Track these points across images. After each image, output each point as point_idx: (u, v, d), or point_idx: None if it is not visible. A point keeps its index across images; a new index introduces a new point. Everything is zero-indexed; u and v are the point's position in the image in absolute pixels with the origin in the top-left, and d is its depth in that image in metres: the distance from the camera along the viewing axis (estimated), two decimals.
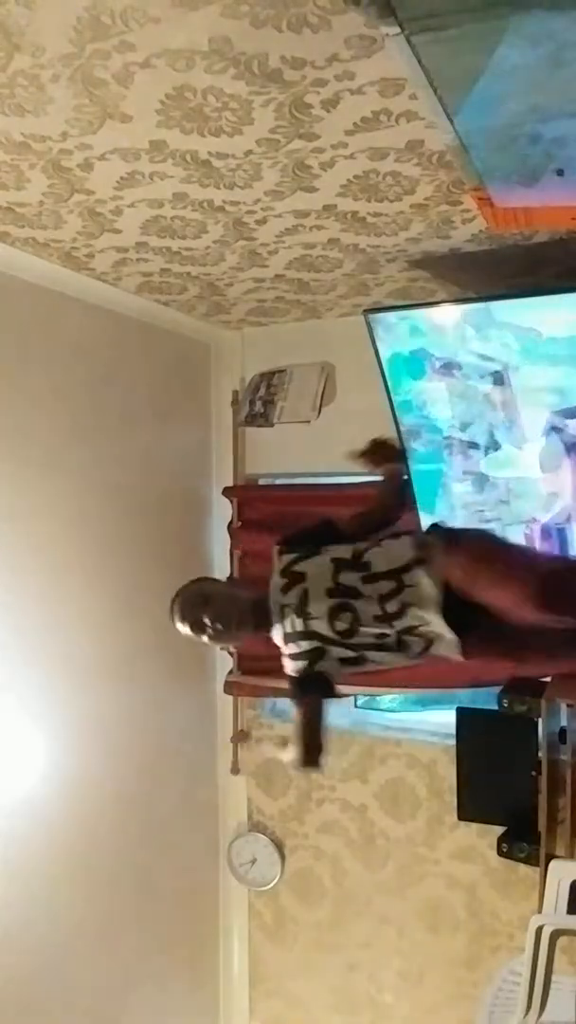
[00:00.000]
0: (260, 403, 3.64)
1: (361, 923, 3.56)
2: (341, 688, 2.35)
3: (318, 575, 2.21)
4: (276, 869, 3.71)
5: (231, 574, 3.68)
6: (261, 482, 3.79)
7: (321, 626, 2.19)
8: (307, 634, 2.22)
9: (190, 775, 3.64)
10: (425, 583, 2.13)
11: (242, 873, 3.76)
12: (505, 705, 2.87)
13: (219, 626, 2.29)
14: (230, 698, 3.76)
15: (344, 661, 2.24)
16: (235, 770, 3.78)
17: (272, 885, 3.73)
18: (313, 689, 2.29)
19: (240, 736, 3.79)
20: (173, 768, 3.51)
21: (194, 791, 3.66)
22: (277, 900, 3.75)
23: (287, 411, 3.57)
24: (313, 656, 2.24)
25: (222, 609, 2.30)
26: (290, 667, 2.30)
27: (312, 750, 2.24)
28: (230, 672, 3.69)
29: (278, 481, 3.79)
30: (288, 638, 2.26)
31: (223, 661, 3.72)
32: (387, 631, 2.15)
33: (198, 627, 2.29)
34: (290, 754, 2.27)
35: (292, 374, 3.61)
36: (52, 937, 2.87)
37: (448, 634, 2.13)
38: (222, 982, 3.80)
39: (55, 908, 2.88)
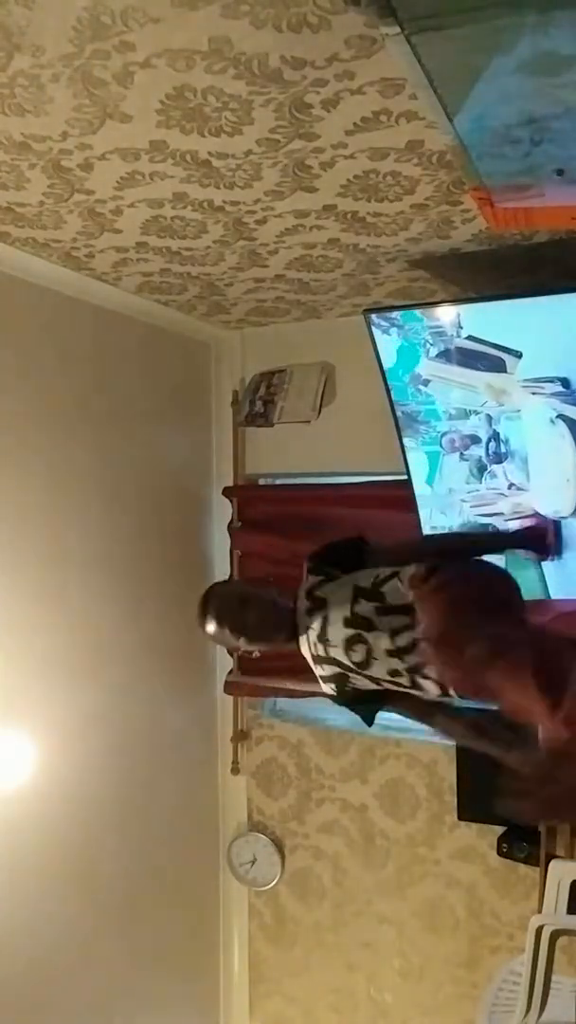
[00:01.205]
0: (260, 403, 3.64)
1: (361, 923, 3.56)
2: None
3: (338, 603, 2.13)
4: (276, 869, 3.72)
5: (231, 574, 3.68)
6: (261, 482, 3.79)
7: (339, 654, 2.13)
8: (329, 660, 2.16)
9: (190, 775, 3.64)
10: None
11: (242, 873, 3.76)
12: None
13: (258, 630, 2.22)
14: (230, 698, 3.76)
15: (369, 692, 2.16)
16: (235, 770, 3.78)
17: (272, 885, 3.73)
18: (358, 707, 2.23)
19: (240, 736, 3.79)
20: (173, 768, 3.51)
21: (194, 791, 3.66)
22: (277, 900, 3.75)
23: (287, 411, 3.57)
24: (339, 680, 2.18)
25: (263, 614, 2.23)
26: (323, 687, 2.25)
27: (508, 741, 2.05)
28: (230, 672, 3.69)
29: (278, 481, 3.79)
30: (315, 660, 2.21)
31: (223, 661, 3.72)
32: (399, 667, 2.05)
33: (236, 629, 2.22)
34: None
35: (292, 374, 3.61)
36: (52, 937, 2.87)
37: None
38: (222, 982, 3.80)
39: (55, 908, 2.88)
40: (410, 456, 2.94)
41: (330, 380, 3.55)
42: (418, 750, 3.43)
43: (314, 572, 2.25)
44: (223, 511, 3.74)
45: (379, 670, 2.08)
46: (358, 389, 3.36)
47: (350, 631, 2.09)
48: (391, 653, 2.05)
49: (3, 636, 2.69)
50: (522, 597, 2.15)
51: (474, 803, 3.12)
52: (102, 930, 3.09)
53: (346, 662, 2.12)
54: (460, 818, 3.21)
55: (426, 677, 2.04)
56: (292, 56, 1.62)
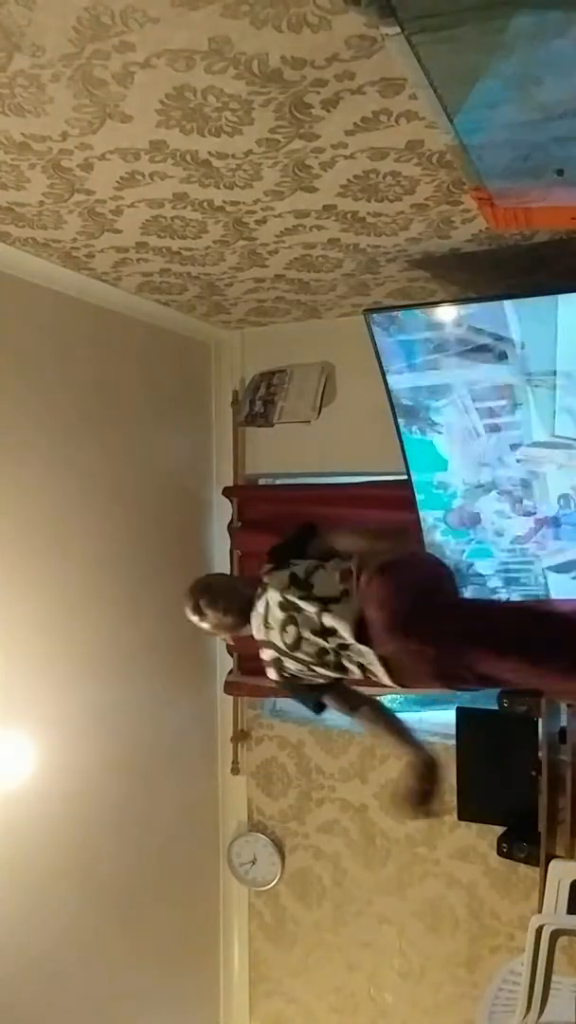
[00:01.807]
0: (260, 403, 3.64)
1: (361, 923, 3.56)
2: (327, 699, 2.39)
3: (276, 587, 2.30)
4: (276, 869, 3.72)
5: (230, 574, 3.68)
6: (261, 482, 3.79)
7: (275, 637, 2.29)
8: (269, 643, 2.33)
9: (190, 775, 3.64)
10: (344, 612, 2.15)
11: (242, 873, 3.76)
12: (505, 705, 2.88)
13: (225, 617, 2.42)
14: (230, 698, 3.76)
15: (299, 674, 2.32)
16: (235, 770, 3.78)
17: (272, 885, 3.73)
18: (300, 696, 2.41)
19: (240, 736, 3.79)
20: (173, 768, 3.51)
21: (194, 791, 3.67)
22: (277, 900, 3.75)
23: (287, 411, 3.57)
24: (277, 665, 2.35)
25: (227, 601, 2.42)
26: (268, 672, 2.41)
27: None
28: (230, 672, 3.69)
29: (278, 481, 3.79)
30: (260, 644, 2.38)
31: (223, 661, 3.72)
32: (326, 645, 2.19)
33: (196, 611, 2.43)
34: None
35: (292, 374, 3.62)
36: (51, 936, 2.87)
37: (370, 656, 2.14)
38: (222, 982, 3.80)
39: (54, 908, 2.88)
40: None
41: (330, 380, 3.55)
42: None
43: (270, 560, 2.41)
44: (223, 511, 3.74)
45: (307, 651, 2.23)
46: (358, 389, 3.36)
47: (284, 614, 2.26)
48: (316, 632, 2.20)
49: (3, 636, 2.69)
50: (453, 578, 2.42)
51: (474, 803, 3.12)
52: (102, 930, 3.09)
53: (280, 644, 2.28)
54: (460, 818, 3.21)
55: (351, 660, 2.18)
56: (292, 56, 1.62)
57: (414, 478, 3.04)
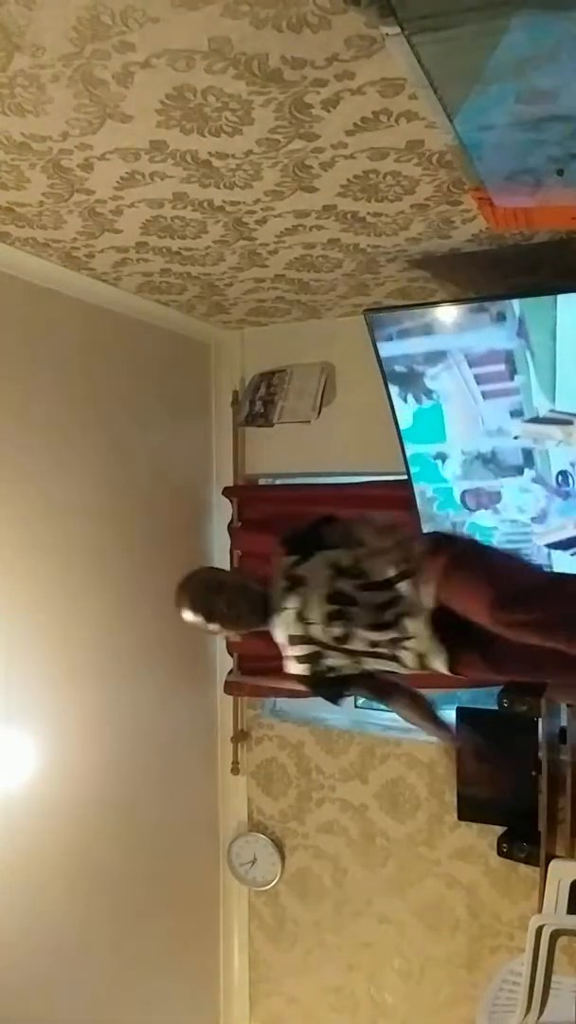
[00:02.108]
0: (260, 403, 3.64)
1: (361, 923, 3.56)
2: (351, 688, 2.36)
3: (316, 580, 2.20)
4: (276, 869, 3.71)
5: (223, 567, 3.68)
6: (261, 482, 3.79)
7: (317, 631, 2.20)
8: (306, 639, 2.23)
9: (190, 775, 3.64)
10: (414, 595, 2.09)
11: (242, 873, 3.76)
12: (505, 705, 2.87)
13: (231, 614, 2.29)
14: (230, 698, 3.76)
15: (339, 668, 2.26)
16: (235, 770, 3.78)
17: (272, 885, 3.73)
18: (324, 689, 2.34)
19: (240, 736, 3.79)
20: (173, 768, 3.51)
21: (194, 791, 3.66)
22: (277, 900, 3.75)
23: (287, 411, 3.57)
24: (313, 660, 2.26)
25: (234, 598, 2.31)
26: (295, 668, 2.32)
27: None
28: (230, 672, 3.69)
29: (278, 481, 3.79)
30: (292, 640, 2.27)
31: (223, 661, 3.72)
32: (381, 638, 2.13)
33: (209, 615, 2.29)
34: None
35: (292, 374, 3.61)
36: (50, 936, 2.87)
37: (437, 649, 2.09)
38: (222, 982, 3.80)
39: (54, 907, 2.88)
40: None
41: (330, 380, 3.55)
42: (418, 750, 3.42)
43: (289, 553, 2.31)
44: (223, 511, 3.74)
45: (359, 643, 2.16)
46: (358, 389, 3.36)
47: (332, 607, 2.16)
48: (374, 627, 2.12)
49: (3, 636, 2.69)
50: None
51: (474, 803, 3.12)
52: (102, 930, 3.09)
53: (323, 639, 2.20)
54: (460, 818, 3.21)
55: (406, 649, 2.12)
56: (292, 56, 1.62)
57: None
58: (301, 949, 3.70)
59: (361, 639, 2.15)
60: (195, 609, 2.30)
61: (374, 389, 2.96)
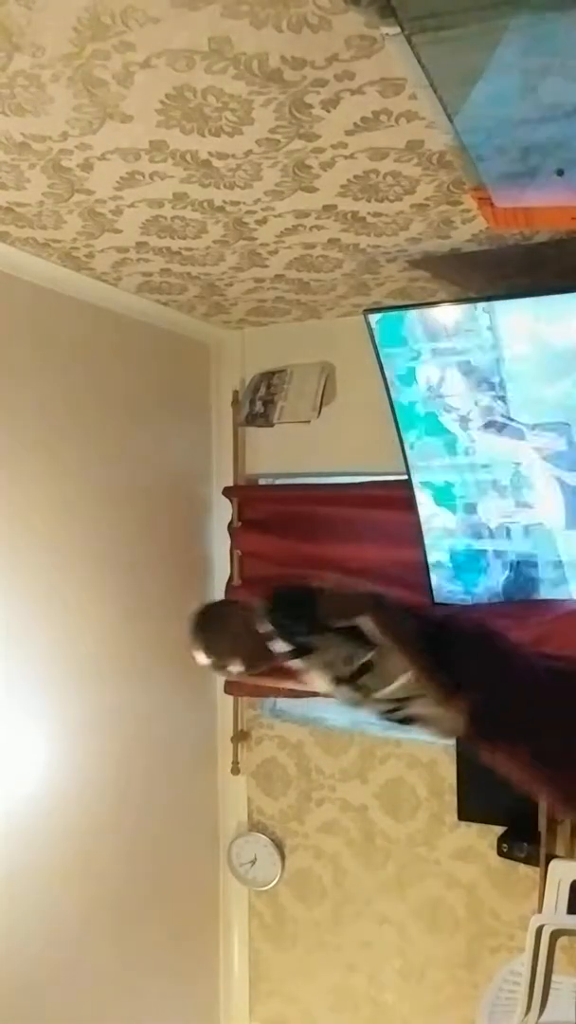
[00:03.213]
0: (260, 403, 3.64)
1: (361, 923, 3.56)
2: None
3: (314, 672, 2.07)
4: (276, 869, 3.71)
5: (231, 575, 3.68)
6: (261, 482, 3.79)
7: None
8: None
9: (190, 775, 3.64)
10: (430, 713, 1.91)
11: (242, 873, 3.76)
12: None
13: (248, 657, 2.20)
14: (230, 698, 3.75)
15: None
16: (235, 770, 3.78)
17: (272, 885, 3.73)
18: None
19: (240, 736, 3.79)
20: (173, 768, 3.51)
21: (194, 791, 3.66)
22: (277, 900, 3.75)
23: (287, 411, 3.57)
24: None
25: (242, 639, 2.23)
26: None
27: None
28: None
29: (278, 481, 3.79)
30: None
31: None
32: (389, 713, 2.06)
33: (218, 662, 2.19)
34: None
35: (292, 374, 3.61)
36: (49, 936, 2.87)
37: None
38: (222, 982, 3.80)
39: (53, 907, 2.88)
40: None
41: (330, 380, 3.55)
42: (418, 750, 3.43)
43: (280, 635, 2.11)
44: (223, 511, 3.73)
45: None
46: (358, 389, 3.35)
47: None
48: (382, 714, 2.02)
49: (2, 637, 2.69)
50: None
51: (474, 803, 3.12)
52: (101, 930, 3.09)
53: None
54: (460, 818, 3.21)
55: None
56: (292, 56, 1.62)
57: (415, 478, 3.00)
58: (301, 949, 3.70)
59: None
60: (208, 653, 2.13)
61: (374, 389, 2.96)
